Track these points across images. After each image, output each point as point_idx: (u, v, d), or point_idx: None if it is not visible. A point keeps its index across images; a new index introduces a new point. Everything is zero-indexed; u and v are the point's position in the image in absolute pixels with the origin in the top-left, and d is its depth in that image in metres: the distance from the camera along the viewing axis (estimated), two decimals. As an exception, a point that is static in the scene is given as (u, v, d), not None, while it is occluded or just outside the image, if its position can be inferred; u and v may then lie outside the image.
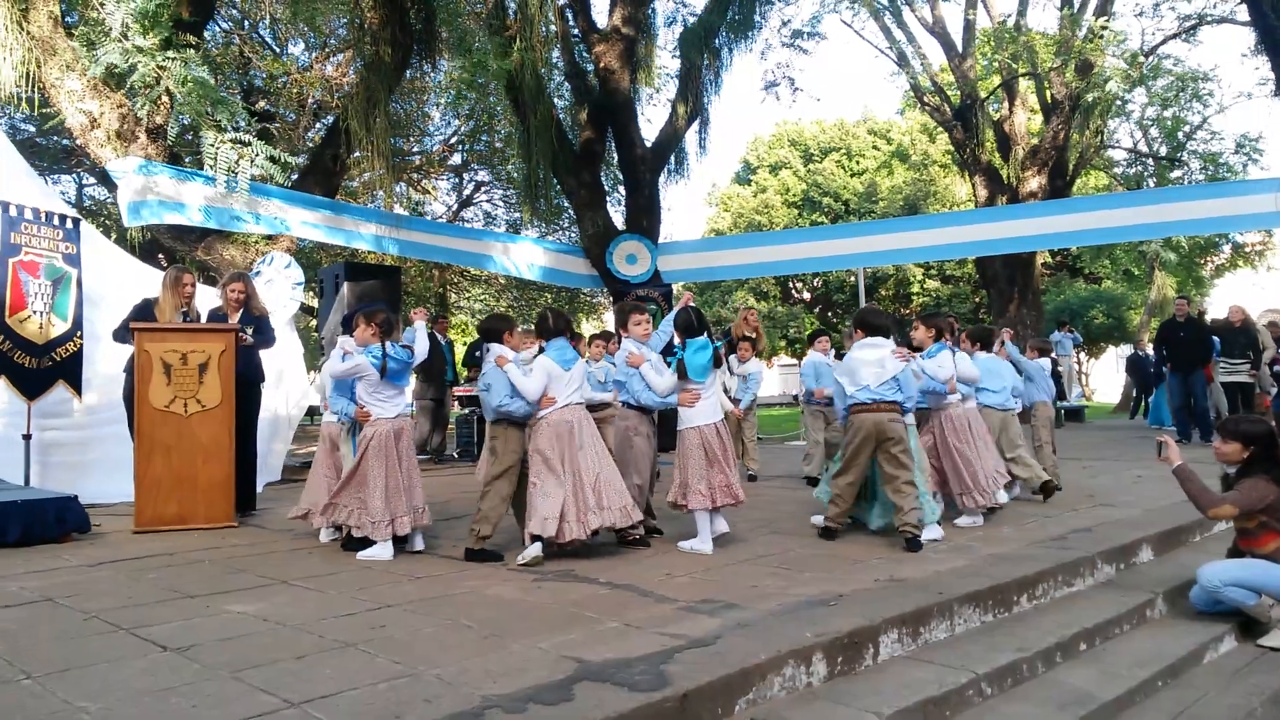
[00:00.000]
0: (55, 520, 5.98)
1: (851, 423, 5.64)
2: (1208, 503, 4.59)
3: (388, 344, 5.53)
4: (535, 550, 5.05)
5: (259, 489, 7.89)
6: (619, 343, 6.10)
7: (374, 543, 5.34)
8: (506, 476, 5.38)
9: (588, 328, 22.37)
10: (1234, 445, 4.65)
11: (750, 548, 5.47)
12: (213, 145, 8.54)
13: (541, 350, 5.51)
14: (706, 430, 5.46)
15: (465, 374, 12.45)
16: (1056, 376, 14.81)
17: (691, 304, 5.71)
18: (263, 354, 7.44)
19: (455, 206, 24.16)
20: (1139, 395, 18.70)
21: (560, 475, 5.10)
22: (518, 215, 22.20)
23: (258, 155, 8.66)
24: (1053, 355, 8.59)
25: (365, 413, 5.49)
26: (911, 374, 5.64)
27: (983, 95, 19.52)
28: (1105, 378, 19.37)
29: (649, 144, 14.65)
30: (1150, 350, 17.21)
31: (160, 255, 17.41)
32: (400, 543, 5.54)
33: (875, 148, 37.99)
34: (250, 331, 7.14)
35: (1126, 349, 20.18)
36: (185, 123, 10.56)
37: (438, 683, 3.04)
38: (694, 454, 5.43)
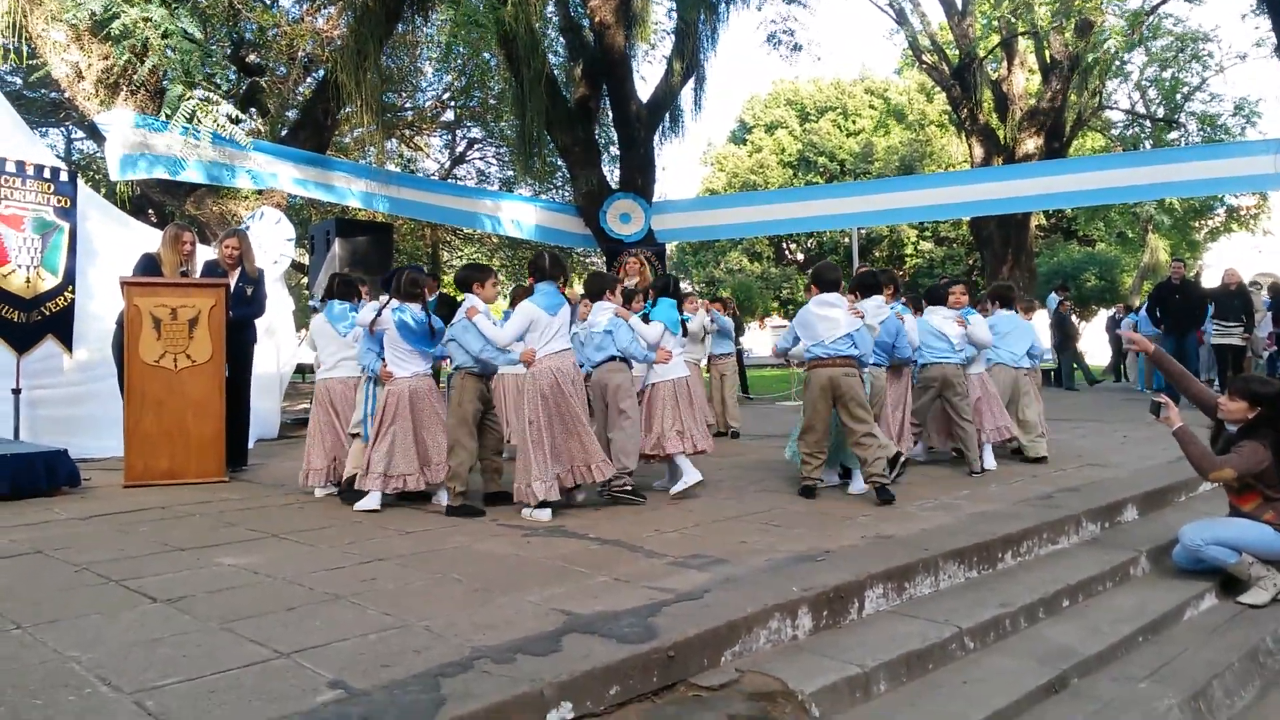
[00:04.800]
0: (45, 474, 5.99)
1: (807, 378, 5.77)
2: (1209, 466, 4.60)
3: (414, 306, 5.48)
4: (543, 514, 5.08)
5: (250, 445, 7.90)
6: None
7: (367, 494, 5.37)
8: (467, 428, 5.38)
9: (580, 288, 22.26)
10: (1241, 403, 4.64)
11: (740, 504, 5.51)
12: (178, 99, 8.45)
13: (531, 290, 5.48)
14: (679, 383, 5.78)
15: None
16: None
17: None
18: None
19: (448, 164, 23.96)
20: (1115, 358, 18.81)
21: (543, 434, 5.09)
22: (511, 173, 22.03)
23: (219, 114, 8.60)
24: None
25: (388, 371, 5.48)
26: (867, 331, 5.73)
27: (981, 55, 19.35)
28: (1096, 340, 19.39)
29: (644, 102, 14.52)
30: (1122, 311, 17.29)
31: (150, 209, 17.27)
32: (424, 499, 5.62)
33: (872, 107, 37.76)
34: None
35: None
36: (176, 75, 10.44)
37: (427, 634, 3.07)
38: (668, 405, 5.71)
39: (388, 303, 5.49)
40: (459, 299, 5.78)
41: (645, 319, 5.64)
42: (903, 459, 5.69)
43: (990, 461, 6.74)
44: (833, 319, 5.60)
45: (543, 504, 5.07)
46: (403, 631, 3.10)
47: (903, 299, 6.80)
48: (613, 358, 5.59)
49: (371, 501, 5.35)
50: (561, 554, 4.26)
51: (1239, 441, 4.59)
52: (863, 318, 5.73)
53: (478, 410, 5.44)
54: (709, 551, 4.21)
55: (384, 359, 5.53)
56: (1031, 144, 18.35)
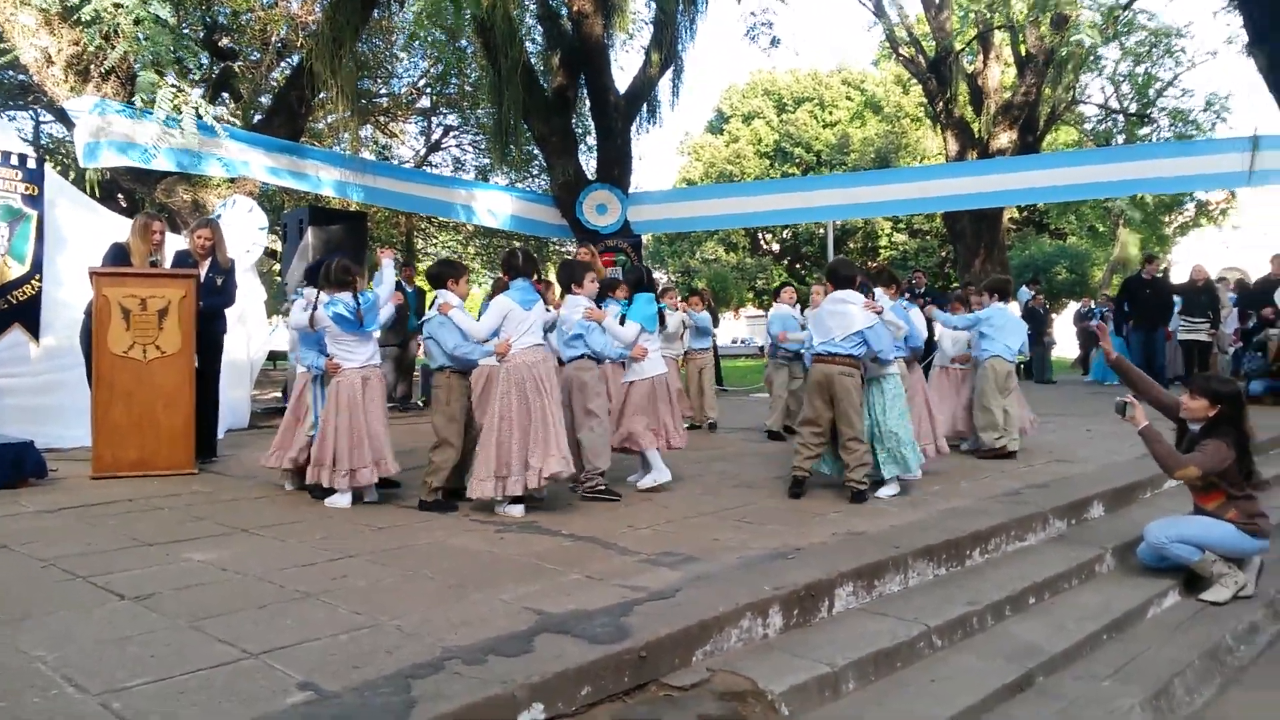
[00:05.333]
0: (11, 465, 5.92)
1: (809, 373, 5.79)
2: (1174, 464, 4.66)
3: (345, 295, 5.41)
4: (516, 510, 5.07)
5: (220, 435, 7.83)
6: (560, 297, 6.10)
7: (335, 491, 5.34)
8: (456, 427, 5.36)
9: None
10: (1201, 402, 4.70)
11: (714, 500, 5.53)
12: (150, 85, 8.33)
13: (506, 287, 5.45)
14: (658, 381, 5.75)
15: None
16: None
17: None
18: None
19: (423, 151, 23.78)
20: (1084, 351, 19.01)
21: (514, 429, 5.06)
22: (487, 161, 21.89)
23: (192, 100, 8.52)
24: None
25: (335, 364, 5.43)
26: (884, 327, 5.62)
27: (958, 48, 19.43)
28: (1064, 333, 19.60)
29: (622, 92, 14.46)
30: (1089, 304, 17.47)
31: (120, 195, 17.03)
32: (392, 486, 5.62)
33: (849, 98, 37.86)
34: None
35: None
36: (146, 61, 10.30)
37: (398, 633, 3.07)
38: (645, 403, 5.69)
39: (317, 296, 5.42)
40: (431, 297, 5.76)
41: (622, 320, 5.60)
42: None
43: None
44: (847, 315, 5.51)
45: (515, 499, 5.07)
46: (374, 631, 3.10)
47: (907, 295, 6.78)
48: (583, 355, 5.58)
49: (342, 500, 5.32)
50: (535, 551, 4.27)
51: (1202, 440, 4.66)
52: (880, 313, 5.63)
53: (465, 408, 5.42)
54: (682, 549, 4.23)
55: (328, 355, 5.47)
56: (1005, 138, 18.47)
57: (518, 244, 22.77)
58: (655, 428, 5.75)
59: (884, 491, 5.58)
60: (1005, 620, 4.05)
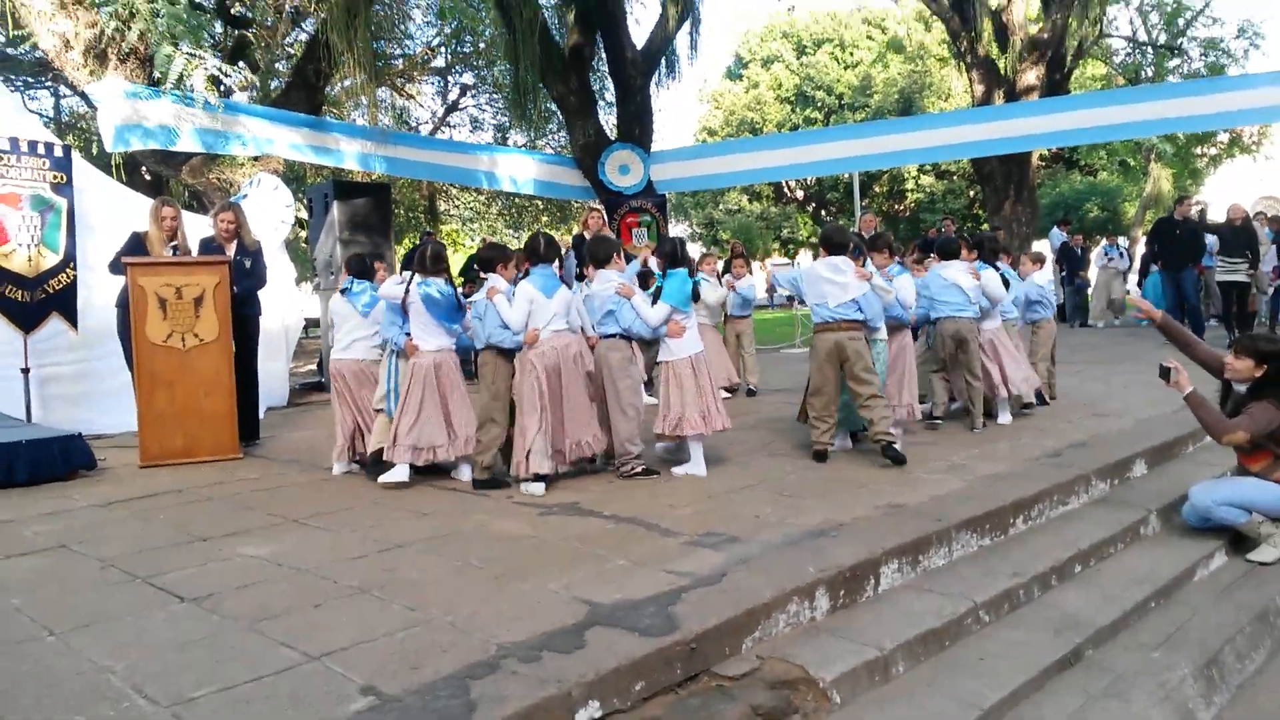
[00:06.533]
0: (61, 458, 6.05)
1: (813, 342, 5.81)
2: (1221, 430, 4.61)
3: (439, 280, 5.52)
4: (536, 488, 5.15)
5: (261, 414, 7.94)
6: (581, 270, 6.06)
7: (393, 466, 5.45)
8: (500, 404, 5.46)
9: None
10: (1247, 362, 4.63)
11: (749, 472, 5.55)
12: (167, 60, 8.32)
13: (528, 273, 5.47)
14: (696, 359, 5.60)
15: (461, 283, 12.37)
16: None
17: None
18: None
19: (440, 112, 23.63)
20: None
21: (538, 411, 5.13)
22: (505, 118, 21.73)
23: (213, 66, 8.49)
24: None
25: (413, 345, 5.51)
26: (874, 295, 5.70)
27: (981, -18, 18.93)
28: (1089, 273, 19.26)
29: (639, 48, 14.25)
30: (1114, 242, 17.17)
31: (143, 169, 17.09)
32: (438, 472, 5.72)
33: (870, 38, 37.02)
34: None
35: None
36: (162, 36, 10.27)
37: (452, 629, 3.13)
38: (686, 383, 5.53)
39: (412, 277, 5.54)
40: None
41: (657, 295, 5.53)
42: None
43: (1005, 417, 6.79)
44: (840, 283, 5.60)
45: (537, 477, 5.15)
46: (427, 627, 3.16)
47: (899, 259, 6.72)
48: (615, 334, 5.59)
49: (399, 474, 5.41)
50: (577, 534, 4.31)
51: (1248, 402, 4.60)
52: (870, 280, 5.69)
53: (510, 386, 5.48)
54: (723, 528, 4.25)
55: (409, 333, 5.56)
56: (1032, 75, 18.05)
57: (538, 209, 22.75)
58: (704, 413, 5.51)
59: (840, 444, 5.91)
60: (1051, 590, 4.06)
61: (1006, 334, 6.96)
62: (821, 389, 5.70)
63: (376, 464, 5.68)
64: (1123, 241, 19.33)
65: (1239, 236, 11.71)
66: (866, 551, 3.79)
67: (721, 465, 5.75)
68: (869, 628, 3.41)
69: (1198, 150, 26.60)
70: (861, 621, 3.47)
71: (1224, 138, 26.81)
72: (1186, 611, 4.03)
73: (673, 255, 5.73)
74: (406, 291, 5.49)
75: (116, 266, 6.80)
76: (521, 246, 6.05)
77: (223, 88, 8.68)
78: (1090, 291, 16.87)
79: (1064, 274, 16.17)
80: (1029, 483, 4.90)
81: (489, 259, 5.65)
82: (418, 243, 10.14)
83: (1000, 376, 6.71)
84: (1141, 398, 7.54)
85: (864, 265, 5.82)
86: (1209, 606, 4.09)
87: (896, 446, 5.44)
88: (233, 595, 3.60)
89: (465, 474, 5.64)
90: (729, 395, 8.52)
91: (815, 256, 8.94)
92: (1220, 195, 23.55)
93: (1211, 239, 12.47)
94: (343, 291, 6.11)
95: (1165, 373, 4.60)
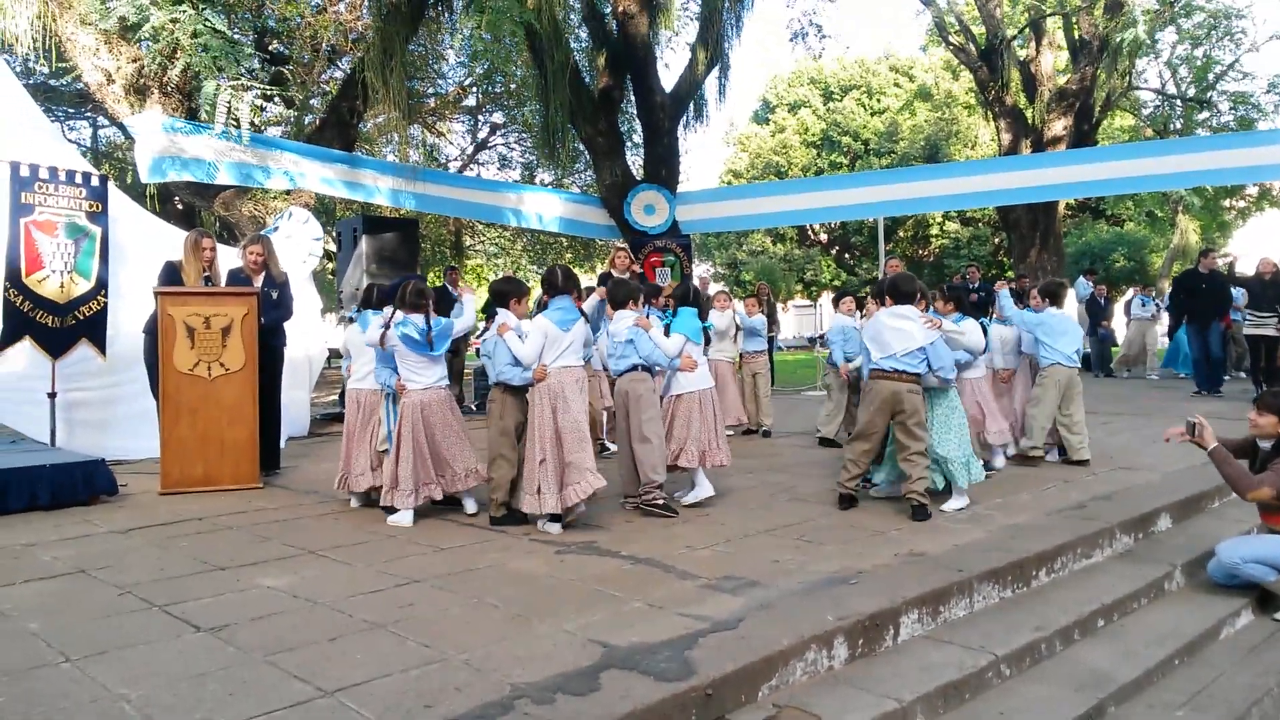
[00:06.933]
0: (83, 483, 6.09)
1: (869, 388, 5.65)
2: (1246, 486, 4.55)
3: (417, 317, 5.53)
4: (554, 528, 5.15)
5: (282, 444, 7.98)
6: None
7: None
8: (509, 440, 5.43)
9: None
10: (1270, 418, 4.58)
11: (770, 516, 5.51)
12: (213, 92, 8.50)
13: (544, 307, 5.50)
14: (704, 395, 5.73)
15: (482, 318, 12.43)
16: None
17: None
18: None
19: (470, 149, 23.94)
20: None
21: (550, 447, 5.12)
22: (533, 157, 21.97)
23: (254, 96, 8.66)
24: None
25: (402, 385, 5.54)
26: (944, 344, 5.55)
27: (1010, 35, 19.07)
28: (1117, 322, 19.05)
29: (668, 91, 14.43)
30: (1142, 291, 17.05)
31: (176, 199, 17.38)
32: (453, 504, 5.72)
33: (897, 85, 37.32)
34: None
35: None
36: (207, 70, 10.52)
37: (466, 669, 3.11)
38: (694, 417, 5.67)
39: (392, 316, 5.55)
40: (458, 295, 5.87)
41: (666, 331, 5.64)
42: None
43: (999, 462, 6.82)
44: (906, 331, 5.47)
45: (553, 518, 5.14)
46: (443, 666, 3.14)
47: (934, 306, 6.66)
48: (635, 367, 5.60)
49: (403, 519, 5.41)
50: (594, 574, 4.29)
51: (1273, 459, 4.54)
52: (939, 328, 5.57)
53: (519, 424, 5.47)
54: (741, 572, 4.22)
55: (399, 374, 5.59)
56: (1060, 125, 18.12)
57: (562, 246, 22.90)
58: (704, 448, 5.72)
59: (949, 505, 5.54)
60: (1074, 645, 3.99)
61: (988, 383, 6.97)
62: (868, 435, 5.59)
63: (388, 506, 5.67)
64: (1154, 293, 19.21)
65: (1268, 290, 11.60)
66: (887, 600, 3.75)
67: (741, 508, 5.72)
68: (888, 679, 3.36)
69: (1226, 203, 26.51)
70: (880, 672, 3.43)
71: (1253, 191, 26.72)
72: (1212, 671, 3.95)
73: (684, 296, 5.91)
74: (385, 331, 5.49)
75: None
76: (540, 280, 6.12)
77: (264, 116, 8.84)
78: (1123, 341, 16.78)
79: (1088, 326, 16.08)
80: (1052, 534, 4.84)
81: (502, 292, 5.62)
82: (443, 275, 10.25)
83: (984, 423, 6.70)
84: (1169, 451, 7.40)
85: (930, 313, 5.74)
86: (1235, 666, 4.01)
87: (928, 509, 5.35)
88: (248, 626, 3.60)
89: (470, 506, 5.64)
90: (732, 433, 8.52)
91: (837, 302, 8.94)
92: (1249, 248, 23.40)
93: (1239, 292, 12.38)
94: (350, 320, 6.16)
95: (1191, 428, 4.55)
